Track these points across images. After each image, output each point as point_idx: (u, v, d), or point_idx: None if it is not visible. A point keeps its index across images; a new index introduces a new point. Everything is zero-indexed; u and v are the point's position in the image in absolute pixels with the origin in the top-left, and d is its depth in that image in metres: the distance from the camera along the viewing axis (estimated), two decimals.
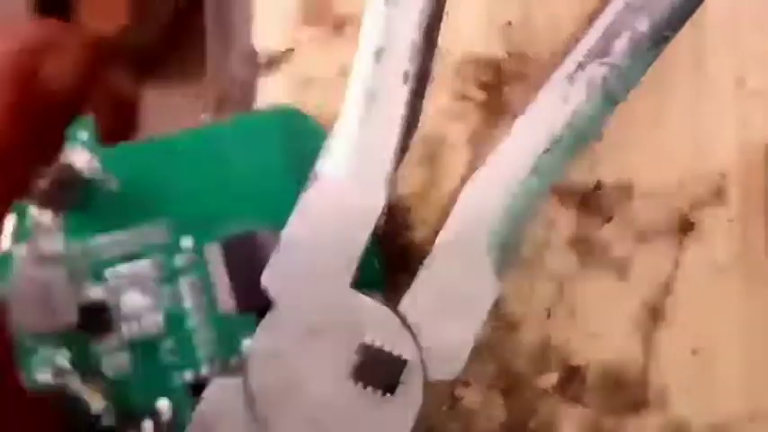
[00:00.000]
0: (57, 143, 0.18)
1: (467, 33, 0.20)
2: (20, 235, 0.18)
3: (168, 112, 0.25)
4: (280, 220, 0.17)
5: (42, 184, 0.18)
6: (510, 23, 0.20)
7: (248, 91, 0.20)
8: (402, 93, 0.18)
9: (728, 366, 0.20)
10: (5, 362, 0.18)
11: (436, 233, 0.18)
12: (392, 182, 0.18)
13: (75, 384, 0.18)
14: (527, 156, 0.18)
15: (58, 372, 0.18)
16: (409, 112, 0.18)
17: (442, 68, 0.20)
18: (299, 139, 0.19)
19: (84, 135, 0.18)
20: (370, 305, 0.17)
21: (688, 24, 0.18)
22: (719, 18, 0.20)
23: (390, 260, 0.19)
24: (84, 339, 0.18)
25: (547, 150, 0.18)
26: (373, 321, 0.17)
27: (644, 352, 0.20)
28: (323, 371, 0.17)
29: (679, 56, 0.20)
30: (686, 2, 0.18)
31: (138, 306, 0.18)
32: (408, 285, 0.17)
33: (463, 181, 0.18)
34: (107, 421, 0.18)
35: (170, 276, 0.18)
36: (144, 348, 0.18)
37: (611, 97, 0.18)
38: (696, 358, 0.20)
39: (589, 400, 0.20)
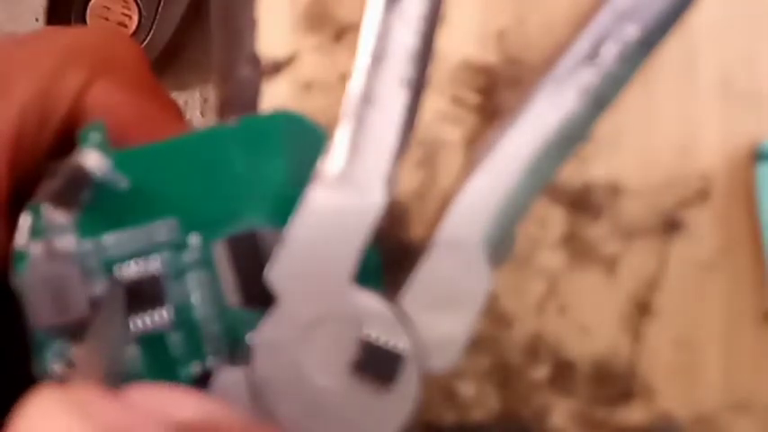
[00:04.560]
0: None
1: (462, 39, 0.20)
2: (34, 233, 0.18)
3: None
4: (283, 219, 0.18)
5: (55, 184, 0.18)
6: (504, 30, 0.20)
7: (253, 95, 0.21)
8: (400, 96, 0.18)
9: (712, 359, 0.20)
10: None
11: (433, 231, 0.18)
12: (391, 182, 0.18)
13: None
14: (520, 157, 0.18)
15: (71, 364, 0.18)
16: (407, 116, 0.18)
17: (439, 73, 0.20)
18: (302, 141, 0.19)
19: (95, 137, 0.19)
20: (368, 300, 0.18)
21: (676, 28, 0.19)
22: (707, 21, 0.20)
23: (389, 257, 0.19)
24: None
25: (539, 152, 0.18)
26: (372, 316, 0.18)
27: (631, 346, 0.20)
28: (323, 363, 0.18)
29: (667, 59, 0.20)
30: (674, 8, 0.19)
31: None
32: (406, 281, 0.18)
33: (459, 181, 0.18)
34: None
35: (178, 272, 0.19)
36: (153, 341, 0.18)
37: (600, 101, 0.19)
38: (681, 352, 0.20)
39: (579, 392, 0.20)
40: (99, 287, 0.18)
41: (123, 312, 0.18)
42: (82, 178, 0.18)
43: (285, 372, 0.18)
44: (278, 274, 0.18)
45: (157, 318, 0.19)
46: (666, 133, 0.20)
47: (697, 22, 0.20)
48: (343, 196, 0.18)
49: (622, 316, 0.20)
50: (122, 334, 0.18)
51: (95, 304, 0.18)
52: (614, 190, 0.20)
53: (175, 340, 0.19)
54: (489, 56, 0.20)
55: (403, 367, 0.17)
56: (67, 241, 0.18)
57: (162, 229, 0.19)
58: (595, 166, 0.20)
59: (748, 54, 0.20)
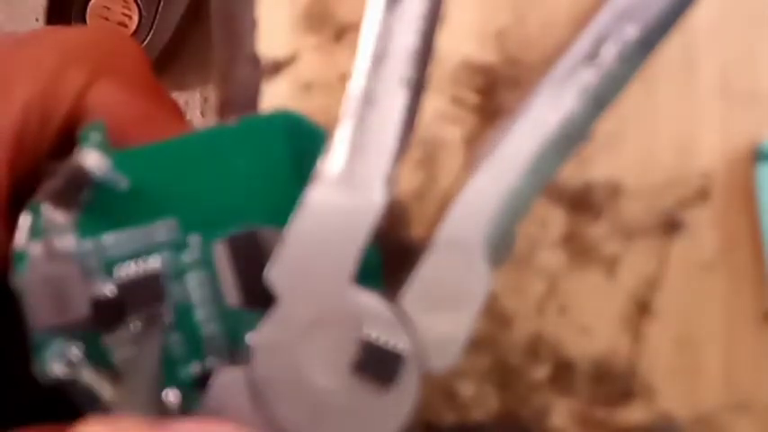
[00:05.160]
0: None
1: (462, 39, 0.20)
2: (34, 233, 0.18)
3: None
4: (283, 219, 0.18)
5: (55, 184, 0.18)
6: (504, 30, 0.20)
7: (253, 95, 0.21)
8: (400, 96, 0.18)
9: (713, 359, 0.20)
10: None
11: (433, 231, 0.18)
12: (391, 182, 0.18)
13: (88, 376, 0.18)
14: (520, 157, 0.18)
15: (71, 364, 0.18)
16: (407, 116, 0.18)
17: (439, 73, 0.20)
18: (302, 141, 0.19)
19: (95, 137, 0.18)
20: (368, 300, 0.18)
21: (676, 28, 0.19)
22: (707, 21, 0.20)
23: (389, 257, 0.19)
24: (96, 333, 0.18)
25: (539, 152, 0.18)
26: (372, 316, 0.18)
27: (631, 346, 0.20)
28: (323, 363, 0.18)
29: (667, 59, 0.20)
30: (674, 8, 0.19)
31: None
32: (406, 281, 0.18)
33: (459, 181, 0.18)
34: (117, 412, 0.18)
35: (178, 272, 0.19)
36: None
37: (600, 101, 0.18)
38: (682, 351, 0.20)
39: (579, 392, 0.20)
40: (99, 287, 0.18)
41: (160, 349, 0.18)
42: (82, 178, 0.18)
43: (285, 372, 0.18)
44: (278, 273, 0.18)
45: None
46: (666, 133, 0.20)
47: (697, 22, 0.20)
48: (343, 196, 0.18)
49: (622, 316, 0.20)
50: (159, 369, 0.18)
51: (95, 304, 0.18)
52: (614, 190, 0.20)
53: (175, 340, 0.19)
54: (489, 56, 0.20)
55: (403, 367, 0.17)
56: (67, 241, 0.18)
57: (162, 229, 0.19)
58: (595, 166, 0.20)
59: (748, 54, 0.20)
